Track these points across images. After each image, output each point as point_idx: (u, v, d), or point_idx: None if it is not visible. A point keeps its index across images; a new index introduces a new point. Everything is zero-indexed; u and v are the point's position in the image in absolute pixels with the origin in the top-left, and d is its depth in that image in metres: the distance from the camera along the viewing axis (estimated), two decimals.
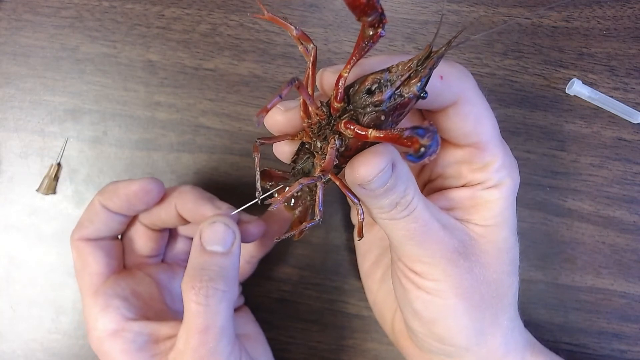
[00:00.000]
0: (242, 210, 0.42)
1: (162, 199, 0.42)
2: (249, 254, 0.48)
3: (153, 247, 0.45)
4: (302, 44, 0.33)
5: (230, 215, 0.41)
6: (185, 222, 0.43)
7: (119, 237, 0.45)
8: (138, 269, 0.45)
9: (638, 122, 0.51)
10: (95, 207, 0.41)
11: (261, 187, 0.35)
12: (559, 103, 0.52)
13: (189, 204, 0.41)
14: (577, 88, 0.51)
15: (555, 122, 0.52)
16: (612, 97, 0.51)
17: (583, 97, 0.51)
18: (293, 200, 0.42)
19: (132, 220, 0.45)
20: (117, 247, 0.44)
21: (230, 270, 0.38)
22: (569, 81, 0.52)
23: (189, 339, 0.36)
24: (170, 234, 0.48)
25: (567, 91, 0.52)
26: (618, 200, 0.51)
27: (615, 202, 0.51)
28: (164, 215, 0.43)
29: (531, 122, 0.52)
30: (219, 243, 0.38)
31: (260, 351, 0.46)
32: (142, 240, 0.45)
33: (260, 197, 0.35)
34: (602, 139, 0.52)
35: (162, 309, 0.43)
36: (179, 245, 0.49)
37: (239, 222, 0.41)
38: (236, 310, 0.48)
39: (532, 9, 0.53)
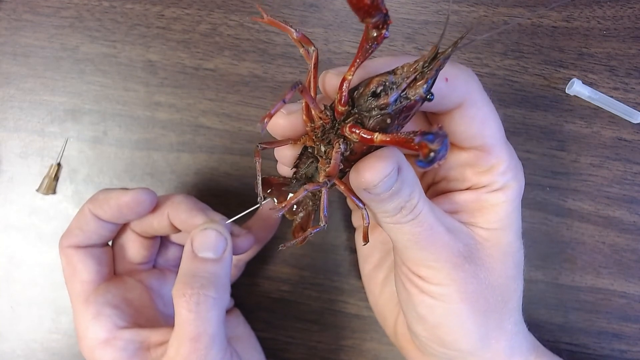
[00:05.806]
0: (233, 221, 0.41)
1: (155, 208, 0.42)
2: (236, 257, 0.47)
3: (144, 254, 0.45)
4: (303, 46, 0.33)
5: (223, 223, 0.41)
6: (178, 230, 0.43)
7: (110, 243, 0.45)
8: (129, 275, 0.44)
9: (638, 122, 0.51)
10: (86, 215, 0.41)
11: (261, 194, 0.35)
12: (559, 103, 0.52)
13: (182, 214, 0.41)
14: (577, 88, 0.51)
15: (555, 122, 0.52)
16: (612, 97, 0.51)
17: (583, 97, 0.52)
18: (295, 206, 0.42)
19: (123, 227, 0.44)
20: (107, 254, 0.43)
21: (222, 276, 0.38)
22: (569, 81, 0.52)
23: (180, 346, 0.36)
24: (161, 240, 0.48)
25: (567, 91, 0.52)
26: (618, 200, 0.51)
27: (615, 202, 0.51)
28: (157, 224, 0.42)
29: (531, 122, 0.52)
30: (211, 249, 0.38)
31: (252, 352, 0.46)
32: (133, 248, 0.44)
33: (262, 203, 0.35)
34: (602, 139, 0.52)
35: (154, 315, 0.43)
36: (171, 252, 0.48)
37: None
38: (226, 312, 0.48)
39: (532, 9, 0.53)
